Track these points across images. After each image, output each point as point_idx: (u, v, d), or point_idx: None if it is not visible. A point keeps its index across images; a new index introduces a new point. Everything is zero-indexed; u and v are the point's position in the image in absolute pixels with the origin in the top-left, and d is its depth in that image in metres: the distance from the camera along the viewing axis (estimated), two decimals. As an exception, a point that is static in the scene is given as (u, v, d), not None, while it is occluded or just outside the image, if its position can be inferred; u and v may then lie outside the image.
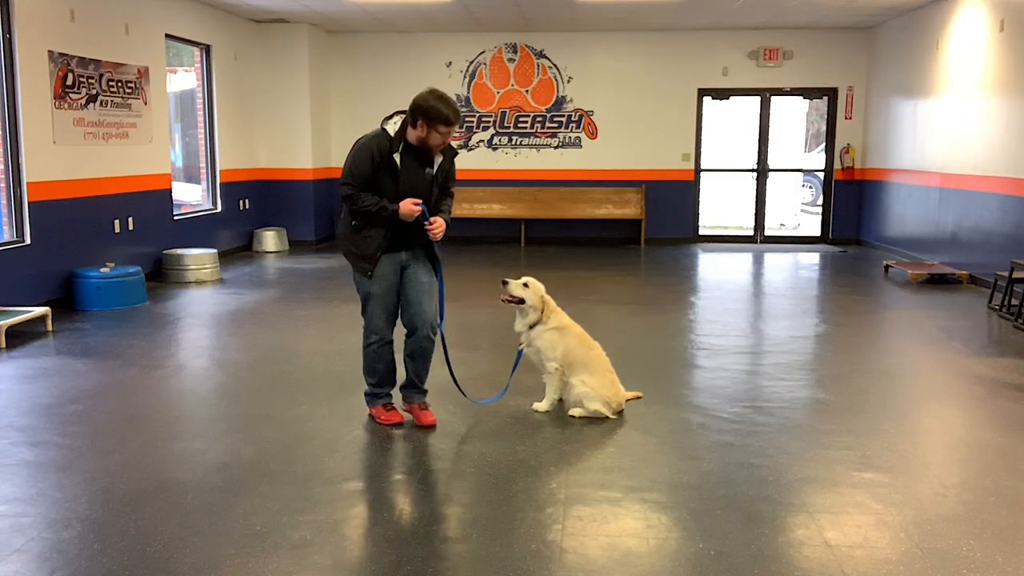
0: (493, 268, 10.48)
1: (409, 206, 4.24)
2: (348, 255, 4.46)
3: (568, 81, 12.86)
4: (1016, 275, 7.32)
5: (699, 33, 12.60)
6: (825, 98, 12.90)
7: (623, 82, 12.79)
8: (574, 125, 12.92)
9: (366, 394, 4.68)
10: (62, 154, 7.82)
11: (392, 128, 4.31)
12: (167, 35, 9.85)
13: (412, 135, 4.27)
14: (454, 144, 4.83)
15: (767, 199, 13.15)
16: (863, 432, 4.49)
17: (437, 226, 4.36)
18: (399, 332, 4.56)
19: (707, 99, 12.85)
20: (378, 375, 4.60)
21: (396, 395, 4.69)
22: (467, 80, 12.91)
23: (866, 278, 9.69)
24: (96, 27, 8.33)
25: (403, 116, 4.31)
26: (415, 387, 4.63)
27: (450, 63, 12.89)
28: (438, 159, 4.40)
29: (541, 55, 12.82)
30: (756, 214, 13.17)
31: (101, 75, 8.39)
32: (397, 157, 4.27)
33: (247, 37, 11.83)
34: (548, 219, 12.91)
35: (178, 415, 4.88)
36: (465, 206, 12.93)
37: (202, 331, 7.21)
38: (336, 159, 13.16)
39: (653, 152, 12.87)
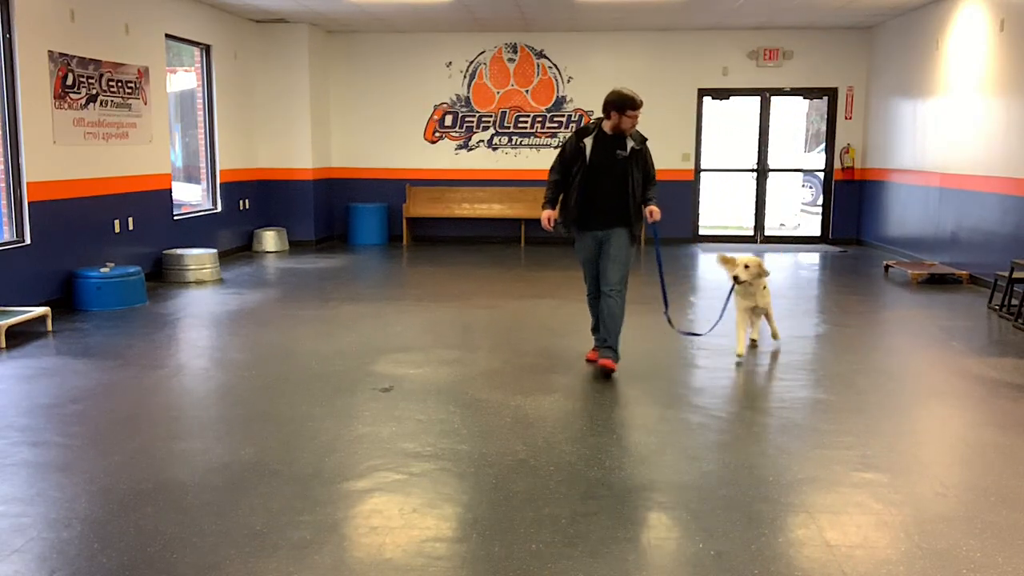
0: (493, 268, 10.48)
1: (544, 217, 5.52)
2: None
3: (568, 81, 12.85)
4: (1016, 275, 7.32)
5: (699, 33, 12.59)
6: (825, 98, 12.90)
7: (623, 82, 12.66)
8: (574, 125, 12.91)
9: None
10: (62, 154, 7.82)
11: (592, 125, 5.50)
12: (167, 35, 9.85)
13: (607, 125, 5.44)
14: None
15: (767, 199, 13.14)
16: (863, 432, 4.49)
17: (654, 213, 5.46)
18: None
19: (707, 99, 12.86)
20: (592, 321, 5.76)
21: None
22: (467, 80, 12.91)
23: (866, 278, 9.69)
24: (96, 27, 8.33)
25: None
26: (605, 344, 5.52)
27: (450, 63, 12.89)
28: (630, 143, 5.52)
29: (541, 55, 12.82)
30: (756, 214, 13.16)
31: (101, 75, 8.39)
32: (588, 142, 5.42)
33: (247, 37, 11.83)
34: (548, 219, 12.88)
35: (178, 415, 4.88)
36: (465, 206, 12.93)
37: (202, 331, 7.21)
38: (336, 159, 13.16)
39: (653, 152, 12.76)
